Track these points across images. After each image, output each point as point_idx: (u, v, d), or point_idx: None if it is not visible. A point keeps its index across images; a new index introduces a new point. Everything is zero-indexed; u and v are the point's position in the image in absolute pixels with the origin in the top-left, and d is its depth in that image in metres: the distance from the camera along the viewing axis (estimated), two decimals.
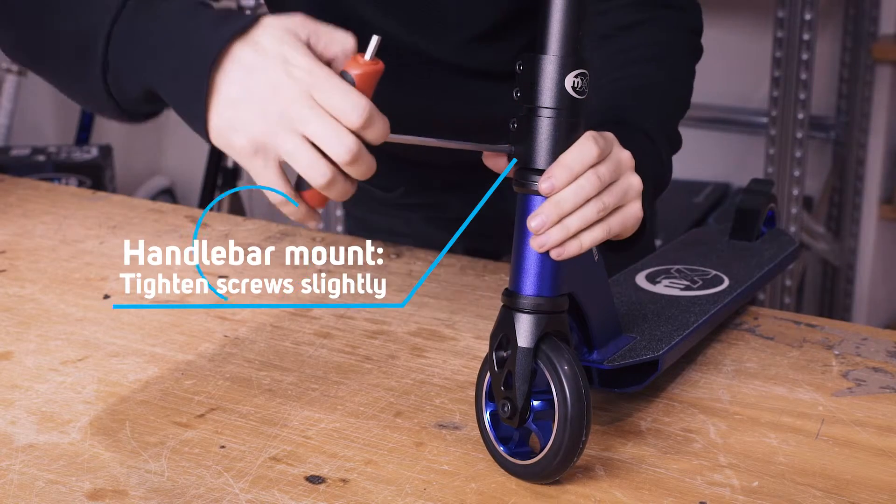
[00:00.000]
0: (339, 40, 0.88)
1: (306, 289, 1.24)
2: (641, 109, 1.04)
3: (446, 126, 1.27)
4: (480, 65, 1.22)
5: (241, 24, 0.86)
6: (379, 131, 0.85)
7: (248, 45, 0.86)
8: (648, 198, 0.96)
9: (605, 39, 1.13)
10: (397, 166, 1.35)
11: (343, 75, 0.86)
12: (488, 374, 0.91)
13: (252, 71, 0.85)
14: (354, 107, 0.83)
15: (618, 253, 0.99)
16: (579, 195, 0.87)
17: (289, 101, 0.84)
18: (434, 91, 1.23)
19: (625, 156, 0.91)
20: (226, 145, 0.87)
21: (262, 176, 0.87)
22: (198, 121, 0.87)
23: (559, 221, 0.87)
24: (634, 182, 0.92)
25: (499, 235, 1.39)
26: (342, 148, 0.83)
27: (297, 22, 0.87)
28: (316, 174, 0.85)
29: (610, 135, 0.91)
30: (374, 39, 0.85)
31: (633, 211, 0.92)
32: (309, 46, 0.86)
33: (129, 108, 0.93)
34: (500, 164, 0.91)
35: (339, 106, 0.84)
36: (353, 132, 0.84)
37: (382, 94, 1.24)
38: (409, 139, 0.88)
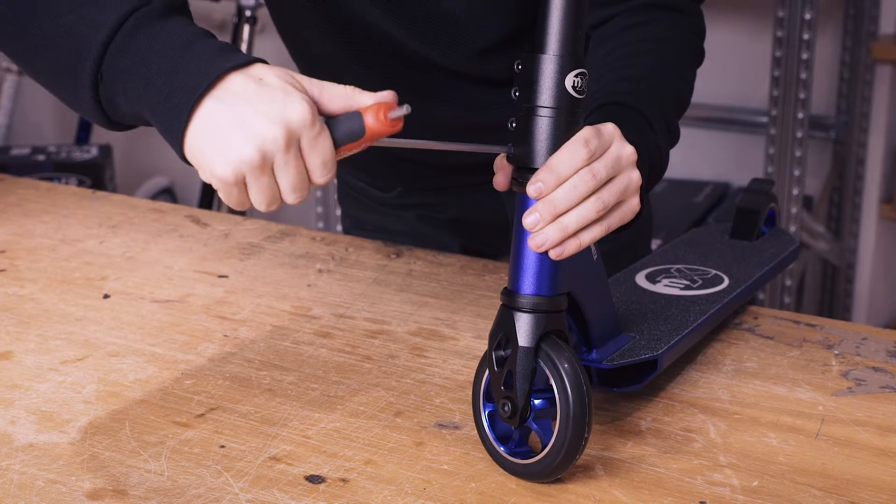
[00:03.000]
0: (342, 95, 0.86)
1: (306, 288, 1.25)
2: (641, 96, 1.04)
3: (449, 130, 1.27)
4: (486, 73, 1.22)
5: (243, 59, 0.85)
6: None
7: (247, 76, 0.85)
8: (644, 182, 0.96)
9: (609, 38, 1.14)
10: (394, 166, 1.35)
11: (354, 116, 0.84)
12: (486, 374, 0.91)
13: (245, 98, 0.83)
14: (325, 172, 0.84)
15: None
16: (573, 194, 0.87)
17: (273, 136, 0.83)
18: (438, 96, 1.23)
19: (626, 151, 0.91)
20: (202, 171, 0.86)
21: (230, 200, 0.86)
22: (175, 143, 0.86)
23: (555, 220, 0.87)
24: (634, 178, 0.91)
25: (495, 238, 1.39)
26: (296, 197, 0.85)
27: (301, 76, 0.87)
28: (265, 205, 0.86)
29: (609, 130, 0.90)
30: (405, 109, 0.84)
31: (632, 206, 0.92)
32: (311, 97, 0.85)
33: (117, 121, 0.92)
34: (503, 183, 0.91)
35: (313, 165, 0.84)
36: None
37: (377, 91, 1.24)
38: (407, 143, 0.88)
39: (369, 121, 0.84)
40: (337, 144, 0.84)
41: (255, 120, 0.83)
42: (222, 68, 0.84)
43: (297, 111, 0.83)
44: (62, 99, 0.94)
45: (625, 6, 1.15)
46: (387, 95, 0.85)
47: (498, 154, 0.91)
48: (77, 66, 0.89)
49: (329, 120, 0.85)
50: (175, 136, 0.85)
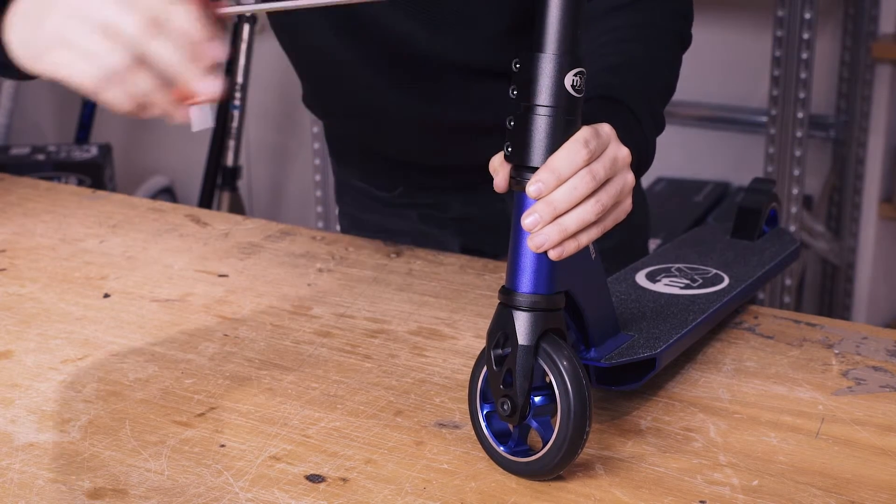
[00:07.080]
0: None
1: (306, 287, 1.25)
2: (625, 86, 1.03)
3: (455, 130, 1.26)
4: (497, 64, 1.21)
5: None
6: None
7: None
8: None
9: (593, 21, 1.12)
10: (396, 168, 1.35)
11: None
12: (483, 373, 0.91)
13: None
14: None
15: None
16: (573, 195, 0.87)
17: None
18: (445, 95, 1.23)
19: (622, 153, 0.91)
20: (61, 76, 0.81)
21: (116, 104, 0.80)
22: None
23: (555, 220, 0.87)
24: (629, 179, 0.92)
25: (496, 238, 1.39)
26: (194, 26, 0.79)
27: None
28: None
29: (606, 130, 0.90)
30: None
31: (626, 207, 0.92)
32: None
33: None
34: (503, 185, 0.90)
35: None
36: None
37: (384, 96, 1.23)
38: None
39: None
40: None
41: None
42: None
43: None
44: None
45: None
46: None
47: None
48: None
49: None
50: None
